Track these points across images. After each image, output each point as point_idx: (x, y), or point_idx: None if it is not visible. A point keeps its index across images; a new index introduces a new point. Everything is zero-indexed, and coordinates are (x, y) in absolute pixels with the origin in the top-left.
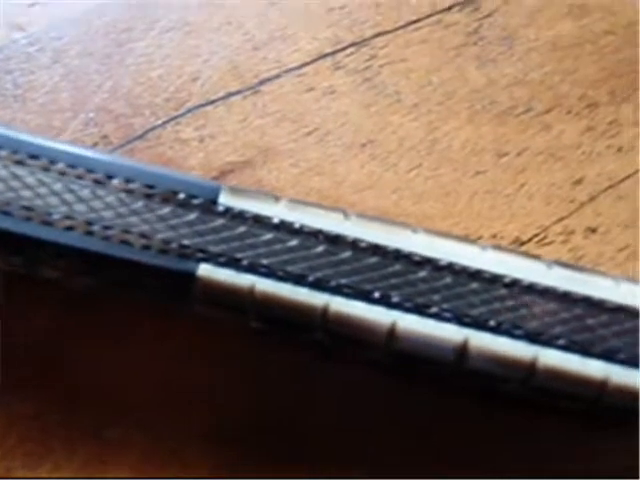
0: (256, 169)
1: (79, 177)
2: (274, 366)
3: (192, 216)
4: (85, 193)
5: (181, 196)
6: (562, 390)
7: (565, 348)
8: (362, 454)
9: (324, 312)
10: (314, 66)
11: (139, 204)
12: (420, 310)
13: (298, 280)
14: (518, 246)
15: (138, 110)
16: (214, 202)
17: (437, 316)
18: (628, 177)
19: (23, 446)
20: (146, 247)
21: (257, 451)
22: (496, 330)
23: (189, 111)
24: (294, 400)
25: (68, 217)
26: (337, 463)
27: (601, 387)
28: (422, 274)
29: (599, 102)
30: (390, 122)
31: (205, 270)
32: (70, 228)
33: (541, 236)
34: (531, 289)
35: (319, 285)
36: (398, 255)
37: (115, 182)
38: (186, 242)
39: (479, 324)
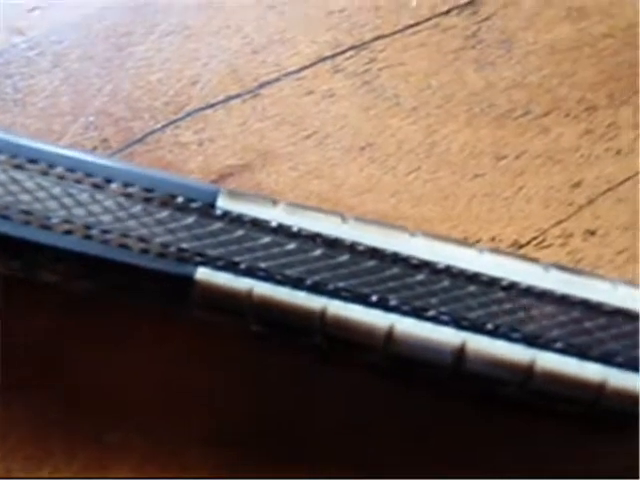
0: (255, 172)
1: (78, 181)
2: (274, 369)
3: (190, 220)
4: (84, 197)
5: (179, 200)
6: (560, 393)
7: (563, 351)
8: (362, 457)
9: (322, 315)
10: (313, 69)
11: (137, 208)
12: (418, 313)
13: (296, 283)
14: (517, 249)
15: (138, 114)
16: (212, 206)
17: (435, 319)
18: (627, 180)
19: (23, 449)
20: (144, 251)
21: (257, 454)
22: (494, 333)
23: (188, 115)
24: (294, 403)
25: (67, 221)
26: (337, 465)
27: (599, 390)
28: (420, 277)
29: (598, 105)
30: (389, 125)
31: (203, 274)
32: (69, 232)
33: (540, 239)
34: (529, 292)
35: (317, 288)
36: (396, 258)
37: (114, 186)
38: (184, 246)
39: (477, 327)
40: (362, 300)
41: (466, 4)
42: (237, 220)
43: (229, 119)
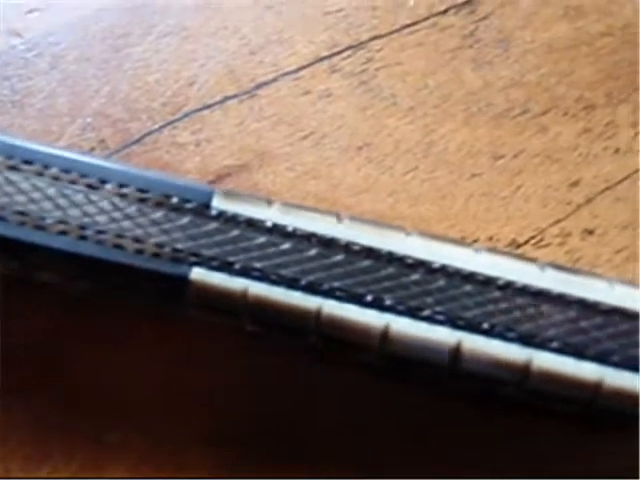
0: (252, 173)
1: (73, 182)
2: (272, 370)
3: (185, 220)
4: (79, 198)
5: (174, 200)
6: (557, 393)
7: (559, 350)
8: (361, 456)
9: (317, 315)
10: (310, 70)
11: (132, 208)
12: (413, 313)
13: (291, 283)
14: (514, 249)
15: (135, 115)
16: (207, 206)
17: (430, 319)
18: (625, 179)
19: (22, 450)
20: (139, 251)
21: (256, 454)
22: (490, 333)
23: (186, 115)
24: (292, 403)
25: (62, 222)
26: (336, 465)
27: (595, 389)
28: (415, 277)
29: (596, 104)
30: (386, 125)
31: (198, 274)
32: (64, 232)
33: (538, 238)
34: (525, 291)
35: (312, 288)
36: (391, 258)
37: (108, 187)
38: (179, 246)
39: (472, 327)
40: (357, 300)
41: (463, 3)
42: (232, 220)
43: (226, 119)
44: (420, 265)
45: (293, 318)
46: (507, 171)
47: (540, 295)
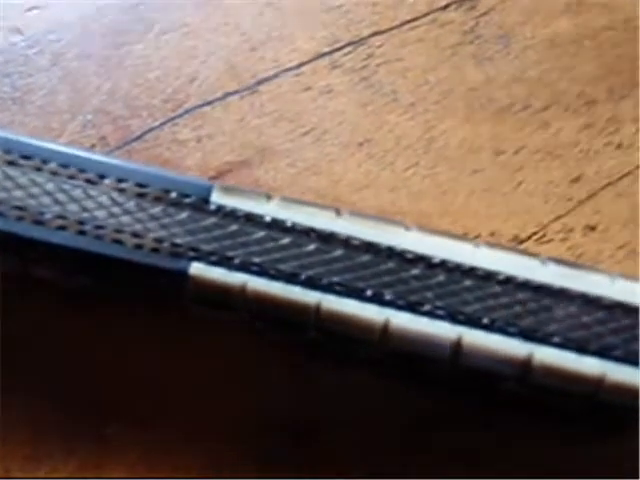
0: (253, 169)
1: (71, 177)
2: (273, 365)
3: (184, 215)
4: (77, 193)
5: (173, 195)
6: (558, 388)
7: (560, 345)
8: (361, 452)
9: (316, 310)
10: (311, 66)
11: (131, 203)
12: (413, 308)
13: (290, 278)
14: (517, 244)
15: (136, 111)
16: (206, 201)
17: (430, 314)
18: (627, 174)
19: (21, 449)
20: (138, 246)
21: (255, 451)
22: (490, 327)
23: (187, 112)
24: (293, 399)
25: (60, 217)
26: (335, 462)
27: (597, 384)
28: (415, 272)
29: (597, 99)
30: (387, 121)
31: (197, 269)
32: (62, 228)
33: (540, 234)
34: (525, 286)
35: (311, 283)
36: (391, 253)
37: (107, 182)
38: (178, 241)
39: (473, 321)
40: (357, 295)
41: None
42: (231, 215)
43: (227, 116)
44: (420, 260)
45: (292, 313)
46: (508, 167)
47: (541, 290)
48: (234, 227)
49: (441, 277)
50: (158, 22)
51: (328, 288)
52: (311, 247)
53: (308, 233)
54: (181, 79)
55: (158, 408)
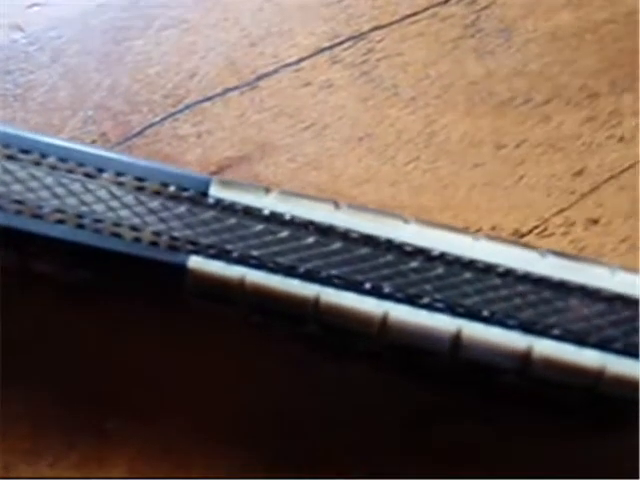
0: (253, 164)
1: (70, 171)
2: (273, 359)
3: (182, 208)
4: (76, 187)
5: (172, 189)
6: (558, 380)
7: (560, 338)
8: (360, 447)
9: (315, 303)
10: (311, 61)
11: (130, 197)
12: (412, 300)
13: (288, 271)
14: (518, 238)
15: (136, 107)
16: (205, 194)
17: (429, 306)
18: (630, 167)
19: (22, 442)
20: (137, 240)
21: (255, 445)
22: (490, 320)
23: (187, 107)
24: (293, 393)
25: (59, 210)
26: (333, 457)
27: (597, 377)
28: (414, 264)
29: (599, 92)
30: (387, 115)
31: (195, 262)
32: (61, 221)
33: (541, 228)
34: (525, 278)
35: (310, 276)
36: (390, 246)
37: (106, 175)
38: (176, 234)
39: (472, 314)
40: (356, 288)
41: None
42: (229, 208)
43: (227, 111)
44: (419, 253)
45: (291, 306)
46: (510, 161)
47: (541, 282)
48: (232, 220)
49: (440, 270)
50: (158, 18)
51: (327, 281)
52: (310, 240)
53: (307, 226)
54: (181, 75)
55: (158, 402)
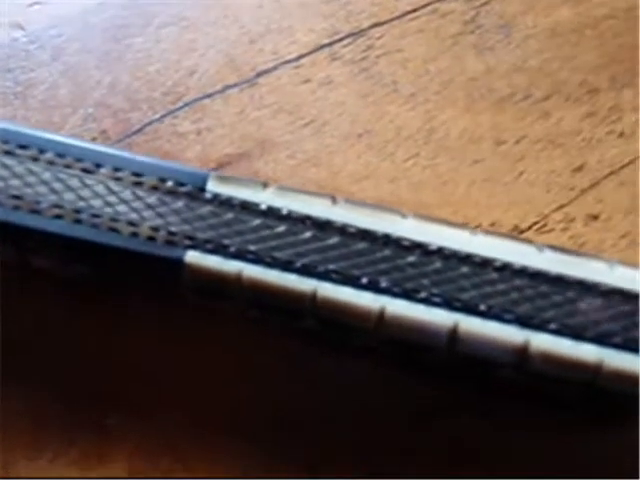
0: (253, 161)
1: (68, 166)
2: (271, 354)
3: (180, 203)
4: (74, 182)
5: (169, 184)
6: (556, 374)
7: (557, 332)
8: (358, 442)
9: (312, 298)
10: (311, 57)
11: (127, 192)
12: (409, 295)
13: (286, 266)
14: (517, 234)
15: (136, 105)
16: (202, 189)
17: (427, 301)
18: (630, 163)
19: (22, 438)
20: (134, 234)
21: (253, 440)
22: (487, 314)
23: (186, 105)
24: (291, 388)
25: (57, 206)
26: (331, 452)
27: (595, 371)
28: (411, 259)
29: (599, 88)
30: (387, 112)
31: (193, 257)
32: (59, 216)
33: (541, 224)
34: (523, 273)
35: (307, 271)
36: (387, 240)
37: (103, 171)
38: (174, 229)
39: (469, 308)
40: (353, 282)
41: None
42: (227, 203)
43: (227, 108)
44: (416, 247)
45: (288, 300)
46: (509, 157)
47: (538, 276)
48: (230, 215)
49: (437, 264)
50: (158, 16)
51: (324, 276)
52: (307, 235)
53: (304, 221)
54: (181, 72)
55: (157, 397)
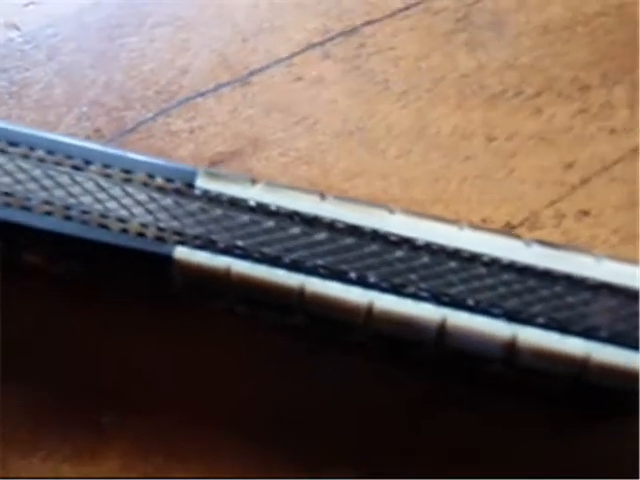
0: (246, 159)
1: (58, 163)
2: (263, 351)
3: (169, 200)
4: (64, 179)
5: (158, 180)
6: (543, 369)
7: (545, 326)
8: (350, 437)
9: (301, 293)
10: (303, 56)
11: (117, 189)
12: (397, 290)
13: (274, 261)
14: (509, 230)
15: (130, 103)
16: (191, 186)
17: (415, 296)
18: (621, 159)
19: (18, 435)
20: (124, 231)
21: (250, 437)
22: (475, 309)
23: (180, 103)
24: (284, 385)
25: (47, 202)
26: (326, 447)
27: (582, 365)
28: (399, 254)
29: (591, 84)
30: (379, 109)
31: (181, 253)
32: (49, 213)
33: (532, 220)
34: (510, 267)
35: (295, 266)
36: (375, 235)
37: (93, 168)
38: (163, 225)
39: (457, 303)
40: (341, 277)
41: None
42: (216, 199)
43: (219, 107)
44: (404, 242)
45: (277, 296)
46: (501, 153)
47: (526, 271)
48: (219, 211)
49: (425, 259)
50: (152, 15)
51: (312, 271)
52: (295, 230)
53: (292, 217)
54: (174, 71)
55: (152, 395)
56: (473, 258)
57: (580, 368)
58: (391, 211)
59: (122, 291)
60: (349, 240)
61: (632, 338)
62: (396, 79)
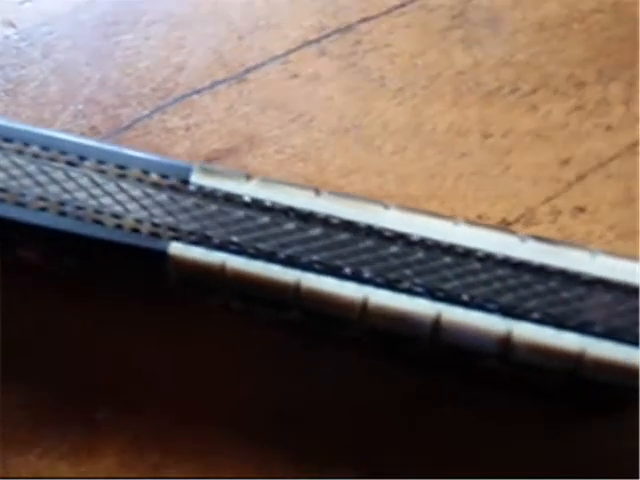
0: (241, 156)
1: (52, 159)
2: (259, 347)
3: (164, 196)
4: (58, 175)
5: (153, 176)
6: (538, 364)
7: (540, 321)
8: (346, 433)
9: (296, 289)
10: (299, 53)
11: (111, 185)
12: (392, 285)
13: (269, 257)
14: (505, 227)
15: (126, 101)
16: (186, 182)
17: (409, 291)
18: (617, 156)
19: (15, 432)
20: (118, 227)
21: (245, 434)
22: (469, 304)
23: (176, 100)
24: (280, 382)
25: (41, 198)
26: (322, 443)
27: (577, 360)
28: (394, 249)
29: (587, 81)
30: (375, 106)
31: (176, 248)
32: (43, 209)
33: (528, 216)
34: (505, 263)
35: (290, 262)
36: (370, 231)
37: (88, 163)
38: (158, 221)
39: (452, 298)
40: (336, 273)
41: None
42: (210, 195)
43: (215, 104)
44: (399, 237)
45: (272, 291)
46: (497, 150)
47: (521, 266)
48: (213, 207)
49: (420, 254)
50: (147, 13)
51: (307, 266)
52: (290, 226)
53: (287, 212)
54: (170, 68)
55: (148, 393)
56: (468, 253)
57: (575, 363)
58: (386, 206)
59: (117, 287)
60: (344, 236)
61: (627, 333)
62: (392, 76)
